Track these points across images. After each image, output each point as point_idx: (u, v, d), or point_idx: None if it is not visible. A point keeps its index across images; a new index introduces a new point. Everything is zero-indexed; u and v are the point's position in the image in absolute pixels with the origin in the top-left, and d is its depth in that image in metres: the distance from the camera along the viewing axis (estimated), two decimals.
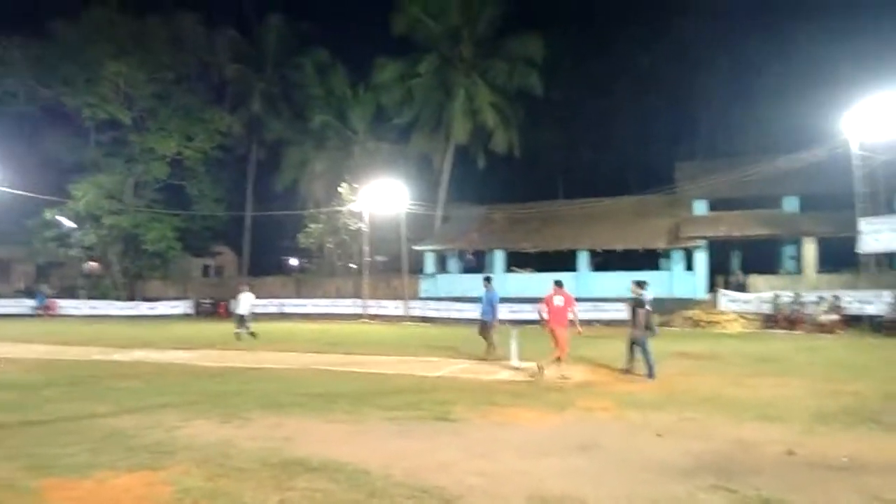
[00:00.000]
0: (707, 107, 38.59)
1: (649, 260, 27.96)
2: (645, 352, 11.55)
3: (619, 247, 27.97)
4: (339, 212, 32.93)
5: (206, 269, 50.20)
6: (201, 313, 34.68)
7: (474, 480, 5.59)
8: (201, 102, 38.81)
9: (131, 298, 37.41)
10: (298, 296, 33.94)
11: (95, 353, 15.94)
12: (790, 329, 21.60)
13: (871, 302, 21.69)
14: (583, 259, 28.68)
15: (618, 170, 40.52)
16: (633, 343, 11.78)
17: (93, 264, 40.28)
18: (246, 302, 20.29)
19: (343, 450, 6.53)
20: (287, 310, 32.28)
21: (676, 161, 33.35)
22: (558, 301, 11.88)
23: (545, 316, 11.88)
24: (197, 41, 38.92)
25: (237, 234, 44.17)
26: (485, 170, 37.61)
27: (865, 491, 5.29)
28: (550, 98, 36.82)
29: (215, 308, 34.45)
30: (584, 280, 27.94)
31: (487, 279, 15.36)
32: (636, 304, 11.82)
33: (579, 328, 12.26)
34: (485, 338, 14.52)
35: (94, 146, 38.10)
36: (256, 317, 21.13)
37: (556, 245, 29.08)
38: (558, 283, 12.18)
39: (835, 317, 21.13)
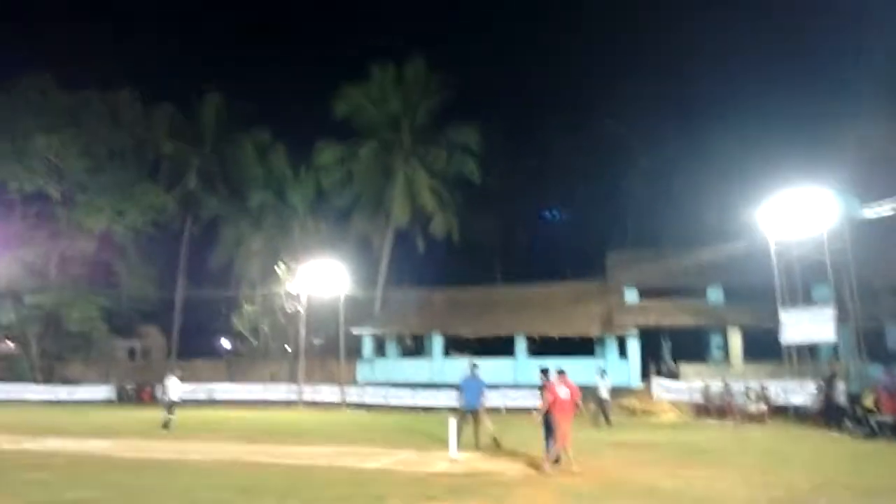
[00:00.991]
0: (634, 200, 40.51)
1: (584, 347, 28.40)
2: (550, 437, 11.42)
3: (555, 334, 28.35)
4: (276, 293, 32.39)
5: (131, 351, 47.88)
6: (124, 399, 32.86)
7: None
8: (135, 178, 37.97)
9: (49, 381, 35.18)
10: (230, 380, 32.71)
11: (4, 442, 14.80)
12: (721, 418, 22.04)
13: (795, 392, 22.44)
14: (520, 345, 28.88)
15: (553, 256, 41.72)
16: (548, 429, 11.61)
17: (9, 344, 37.91)
18: (175, 387, 19.40)
19: None
20: (218, 395, 30.97)
21: (608, 250, 34.55)
22: (564, 392, 11.22)
23: (542, 407, 11.33)
24: (134, 116, 38.57)
25: (167, 314, 42.57)
26: (424, 253, 38.10)
27: None
28: (488, 185, 38.04)
29: (139, 393, 32.76)
30: (522, 366, 28.05)
31: (473, 365, 15.05)
32: (542, 390, 11.81)
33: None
34: (476, 424, 14.11)
35: (19, 219, 36.65)
36: (184, 403, 20.19)
37: (495, 330, 29.27)
38: (561, 372, 11.54)
39: (763, 407, 21.72)
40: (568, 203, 41.88)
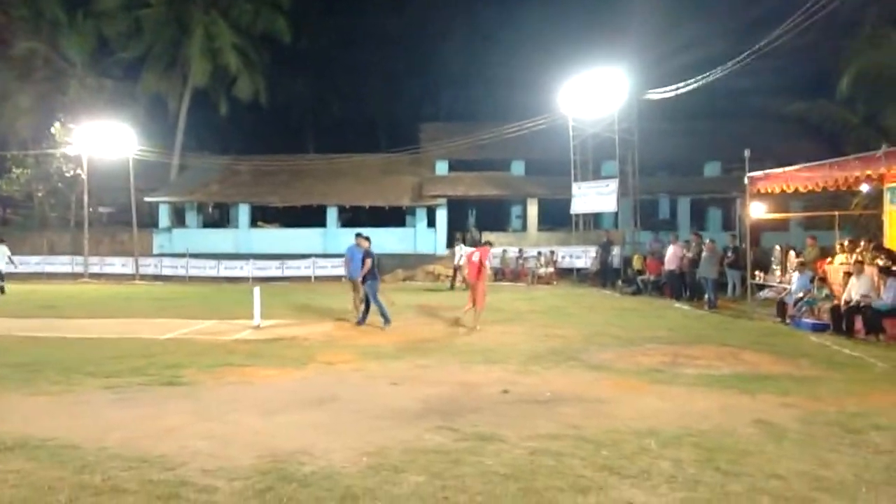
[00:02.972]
0: (447, 73, 40.57)
1: (395, 217, 28.91)
2: (376, 301, 12.09)
3: (367, 203, 28.44)
4: (52, 155, 28.60)
5: None
6: None
7: (201, 444, 5.29)
8: None
9: None
10: None
11: None
12: (515, 281, 24.03)
13: (579, 257, 25.08)
14: (332, 215, 28.66)
15: (367, 126, 41.00)
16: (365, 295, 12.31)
17: None
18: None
19: (48, 424, 5.75)
20: None
21: (420, 122, 34.64)
22: (475, 256, 12.58)
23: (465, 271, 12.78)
24: None
25: None
26: (228, 117, 35.37)
27: (561, 420, 6.08)
28: (299, 47, 35.70)
29: None
30: (333, 236, 27.97)
31: (359, 234, 14.44)
32: (365, 255, 12.31)
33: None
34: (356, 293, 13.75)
35: None
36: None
37: (305, 200, 28.62)
38: (488, 244, 13.55)
39: (551, 270, 23.98)
40: (383, 71, 40.70)
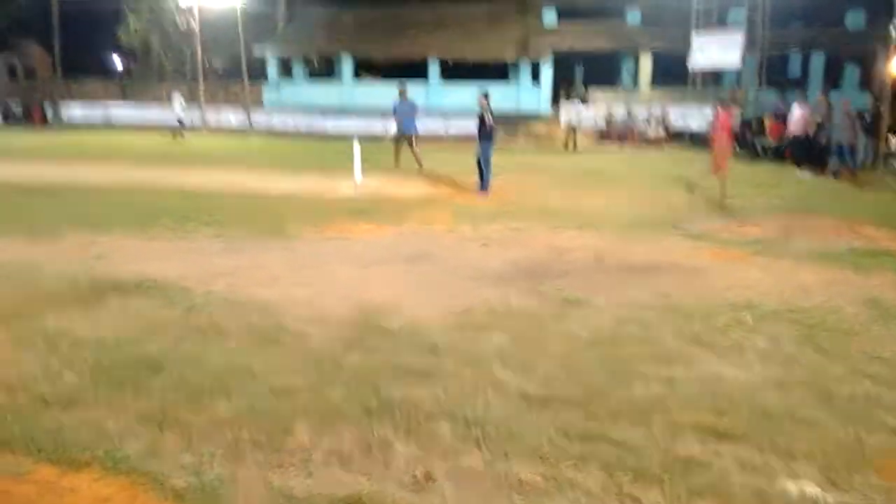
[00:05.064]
0: None
1: (499, 71, 27.85)
2: (487, 164, 11.76)
3: (470, 57, 27.45)
4: (165, 4, 29.09)
5: (11, 69, 43.44)
6: (10, 120, 30.60)
7: (300, 292, 5.60)
8: None
9: None
10: (125, 101, 30.61)
11: None
12: (621, 143, 22.97)
13: (694, 117, 23.33)
14: (433, 69, 27.97)
15: None
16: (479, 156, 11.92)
17: None
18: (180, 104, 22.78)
19: (162, 267, 6.24)
20: (114, 118, 29.22)
21: None
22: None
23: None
24: None
25: (44, 27, 37.98)
26: None
27: (654, 289, 5.92)
28: None
29: (27, 114, 30.48)
30: (435, 91, 27.48)
31: (401, 90, 14.58)
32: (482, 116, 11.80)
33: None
34: (410, 150, 14.15)
35: None
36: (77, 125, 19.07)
37: (407, 53, 27.98)
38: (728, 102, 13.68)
39: (661, 132, 22.65)
40: None
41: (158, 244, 7.36)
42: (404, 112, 14.38)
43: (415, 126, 14.48)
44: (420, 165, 14.05)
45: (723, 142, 12.23)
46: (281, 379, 3.90)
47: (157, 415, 3.45)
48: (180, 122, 23.19)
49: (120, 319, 4.85)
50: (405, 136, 14.36)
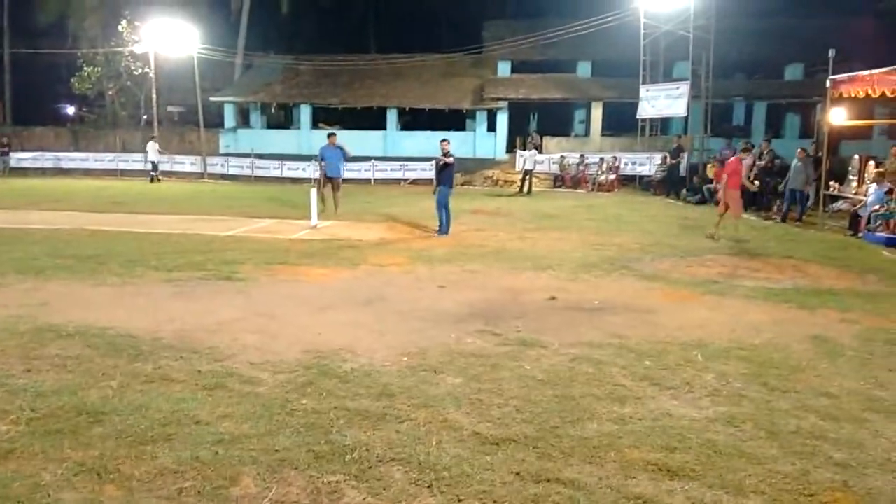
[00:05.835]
0: None
1: (455, 120, 28.36)
2: (445, 209, 11.89)
3: (427, 106, 27.94)
4: (120, 53, 28.95)
5: None
6: None
7: (250, 338, 5.48)
8: None
9: None
10: (77, 149, 30.09)
11: None
12: (575, 188, 23.49)
13: (644, 164, 24.08)
14: (392, 118, 28.34)
15: (430, 23, 39.58)
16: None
17: None
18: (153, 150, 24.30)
19: (108, 314, 6.05)
20: (65, 164, 28.61)
21: (484, 20, 33.20)
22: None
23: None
24: None
25: None
26: (290, 16, 34.81)
27: (606, 328, 6.00)
28: None
29: None
30: (392, 139, 27.81)
31: (330, 133, 14.77)
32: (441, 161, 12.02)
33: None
34: (332, 194, 14.34)
35: None
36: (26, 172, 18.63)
37: (366, 101, 28.31)
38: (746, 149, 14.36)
39: (612, 177, 23.27)
40: None
41: (106, 290, 7.15)
42: (332, 156, 14.54)
43: (340, 170, 14.63)
44: (336, 209, 14.25)
45: (734, 187, 12.19)
46: (228, 426, 3.79)
47: (97, 465, 3.31)
48: (154, 166, 25.34)
49: (61, 368, 4.66)
50: (330, 180, 14.52)
